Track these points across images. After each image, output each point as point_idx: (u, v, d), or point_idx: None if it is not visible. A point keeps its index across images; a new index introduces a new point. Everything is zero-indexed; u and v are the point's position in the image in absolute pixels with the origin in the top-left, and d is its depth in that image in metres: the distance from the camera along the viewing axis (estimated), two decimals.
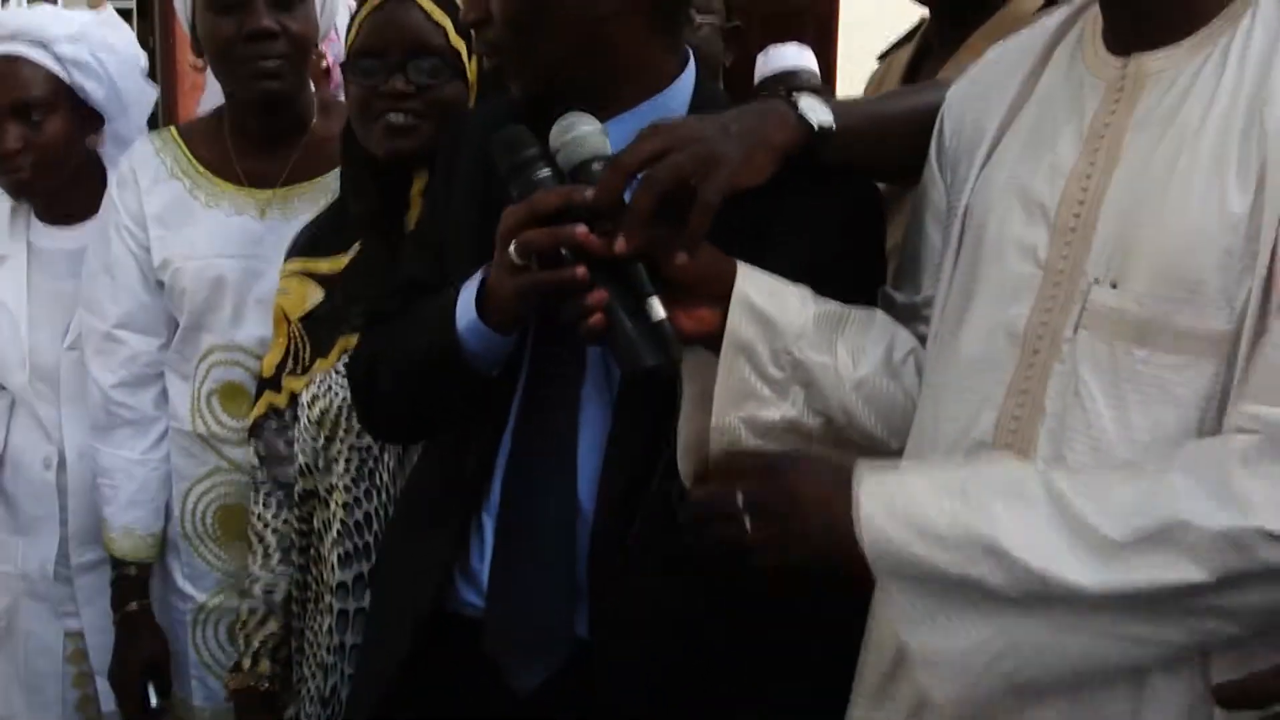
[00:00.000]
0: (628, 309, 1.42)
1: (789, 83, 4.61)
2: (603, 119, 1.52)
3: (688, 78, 1.64)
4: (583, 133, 1.48)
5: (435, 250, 1.73)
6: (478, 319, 1.54)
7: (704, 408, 1.49)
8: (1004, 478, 1.29)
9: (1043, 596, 1.24)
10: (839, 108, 1.53)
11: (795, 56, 4.86)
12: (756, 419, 1.47)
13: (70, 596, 2.52)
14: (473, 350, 1.56)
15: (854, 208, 1.61)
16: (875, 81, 2.25)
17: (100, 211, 2.43)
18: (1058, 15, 1.51)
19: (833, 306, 1.52)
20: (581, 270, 1.41)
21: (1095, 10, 1.43)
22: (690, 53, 1.66)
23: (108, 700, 2.47)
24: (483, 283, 1.54)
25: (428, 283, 1.69)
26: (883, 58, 2.30)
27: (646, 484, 1.56)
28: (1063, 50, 1.47)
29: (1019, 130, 1.46)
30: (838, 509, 1.31)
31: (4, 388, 2.51)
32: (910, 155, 1.60)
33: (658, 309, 1.42)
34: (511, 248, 1.45)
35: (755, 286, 1.48)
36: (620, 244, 1.41)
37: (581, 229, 1.41)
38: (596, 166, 1.46)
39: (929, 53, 2.11)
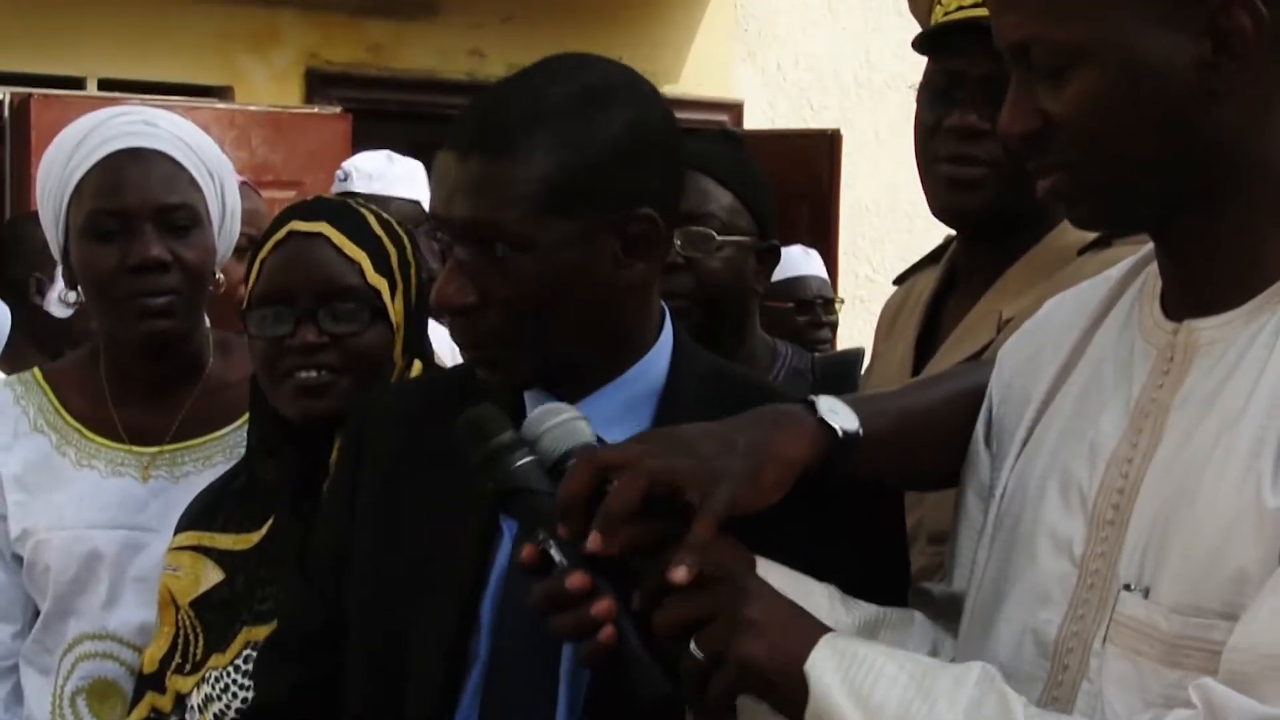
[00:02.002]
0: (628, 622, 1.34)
1: (794, 294, 4.53)
2: (574, 397, 1.46)
3: (666, 337, 1.55)
4: (563, 420, 1.39)
5: (330, 579, 1.62)
6: None
7: None
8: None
9: None
10: (862, 408, 1.44)
11: (800, 262, 4.71)
12: None
13: None
14: None
15: (876, 519, 1.52)
16: (893, 308, 2.16)
17: None
18: (1118, 269, 1.44)
19: (866, 608, 1.43)
20: (579, 579, 1.30)
21: (1155, 264, 1.37)
22: (663, 305, 1.57)
23: None
24: None
25: (320, 632, 1.62)
26: (901, 280, 2.22)
27: None
28: (1120, 308, 1.40)
29: (1065, 400, 1.39)
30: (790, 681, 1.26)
31: None
32: (948, 462, 1.51)
33: None
34: None
35: (778, 584, 1.37)
36: (594, 540, 1.29)
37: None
38: (574, 463, 1.37)
39: (956, 282, 2.02)
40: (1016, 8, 1.28)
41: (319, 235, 1.87)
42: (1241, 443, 1.20)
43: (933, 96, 1.92)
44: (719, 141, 2.60)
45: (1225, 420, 1.22)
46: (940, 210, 1.92)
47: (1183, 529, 1.21)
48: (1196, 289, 1.30)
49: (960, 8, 1.88)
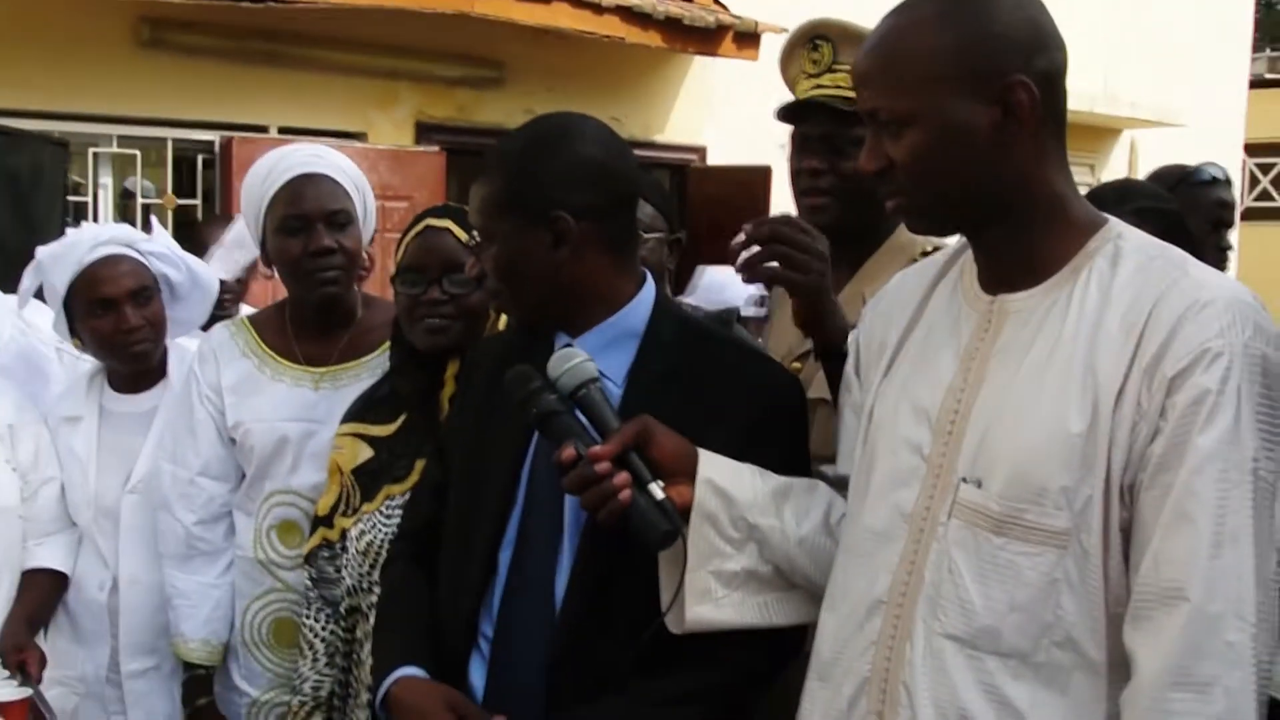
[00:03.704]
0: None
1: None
2: (573, 335, 1.55)
3: (646, 295, 1.60)
4: (575, 364, 1.48)
5: (451, 454, 1.71)
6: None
7: (676, 564, 1.47)
8: None
9: None
10: None
11: (720, 288, 4.26)
12: (722, 571, 1.45)
13: (119, 699, 2.35)
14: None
15: (784, 413, 1.58)
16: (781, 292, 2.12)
17: (160, 382, 2.36)
18: (943, 254, 1.50)
19: (780, 480, 1.51)
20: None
21: (971, 253, 1.43)
22: (648, 274, 1.63)
23: None
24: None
25: (443, 485, 1.71)
26: None
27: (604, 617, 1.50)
28: (945, 284, 1.44)
29: (911, 348, 1.44)
30: None
31: (75, 524, 2.38)
32: None
33: (658, 490, 1.43)
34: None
35: (716, 469, 1.47)
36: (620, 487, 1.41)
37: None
38: (584, 390, 1.48)
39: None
40: (869, 86, 1.32)
41: (445, 229, 1.93)
42: (1047, 389, 1.25)
43: (794, 150, 1.95)
44: (644, 171, 2.63)
45: (1035, 367, 1.27)
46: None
47: (1006, 443, 1.27)
48: (1002, 273, 1.35)
49: (807, 90, 1.90)
